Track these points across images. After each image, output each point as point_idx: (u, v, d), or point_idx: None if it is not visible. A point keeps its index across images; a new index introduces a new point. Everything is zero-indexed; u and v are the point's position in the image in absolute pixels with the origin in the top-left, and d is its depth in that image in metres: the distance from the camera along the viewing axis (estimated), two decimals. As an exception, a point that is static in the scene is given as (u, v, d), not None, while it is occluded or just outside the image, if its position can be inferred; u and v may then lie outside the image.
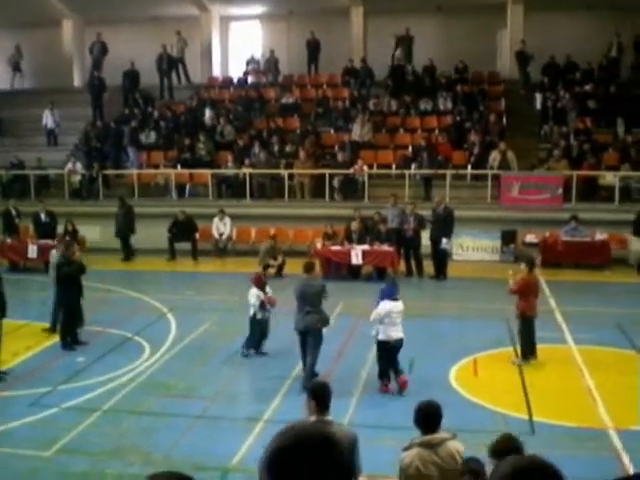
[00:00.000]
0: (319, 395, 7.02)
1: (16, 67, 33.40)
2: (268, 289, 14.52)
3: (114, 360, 14.24)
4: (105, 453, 10.15)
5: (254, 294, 14.31)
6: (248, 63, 32.14)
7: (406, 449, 6.43)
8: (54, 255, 16.16)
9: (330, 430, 2.52)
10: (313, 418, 6.71)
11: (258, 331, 14.35)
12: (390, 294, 12.34)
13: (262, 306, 14.24)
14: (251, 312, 14.31)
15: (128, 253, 24.27)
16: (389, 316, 12.13)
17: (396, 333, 12.21)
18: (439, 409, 6.66)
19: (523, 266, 13.96)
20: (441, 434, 6.48)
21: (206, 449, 10.26)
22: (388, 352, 12.32)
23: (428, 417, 6.59)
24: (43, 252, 22.27)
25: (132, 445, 10.45)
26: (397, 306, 12.25)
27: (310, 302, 12.56)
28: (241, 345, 14.41)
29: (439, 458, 6.29)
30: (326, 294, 12.81)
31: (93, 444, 10.35)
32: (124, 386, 12.82)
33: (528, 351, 13.69)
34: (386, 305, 12.16)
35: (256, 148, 26.36)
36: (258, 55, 32.73)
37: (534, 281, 13.89)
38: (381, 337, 12.27)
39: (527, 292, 13.59)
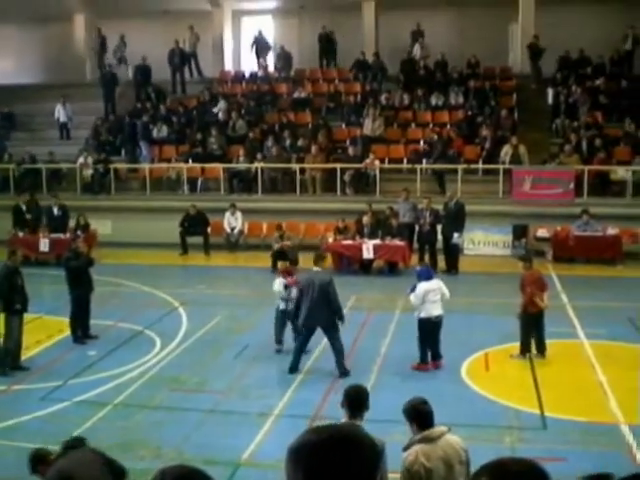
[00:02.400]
0: (351, 399, 6.90)
1: (121, 59, 32.62)
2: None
3: (125, 354, 14.28)
4: (115, 447, 10.14)
5: (278, 282, 14.23)
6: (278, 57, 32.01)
7: (406, 448, 6.38)
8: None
9: (361, 432, 2.52)
10: (343, 420, 6.63)
11: (283, 323, 14.21)
12: (426, 275, 13.18)
13: (287, 289, 14.06)
14: (278, 304, 14.20)
15: None
16: (427, 295, 12.85)
17: (436, 310, 12.97)
18: (428, 404, 6.63)
19: (521, 264, 13.96)
20: (438, 428, 6.45)
21: (217, 443, 10.27)
22: (429, 331, 13.02)
23: (424, 414, 6.55)
24: (55, 246, 22.37)
25: (143, 439, 10.47)
26: (433, 284, 13.02)
27: (314, 295, 12.59)
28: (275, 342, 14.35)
29: (442, 451, 6.26)
30: (333, 288, 12.75)
31: (103, 438, 10.34)
32: (135, 380, 12.85)
33: (525, 348, 13.64)
34: (423, 285, 12.91)
35: (269, 142, 26.37)
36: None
37: (535, 277, 13.81)
38: (422, 315, 12.99)
39: (527, 287, 13.55)
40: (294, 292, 13.83)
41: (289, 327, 14.13)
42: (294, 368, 13.02)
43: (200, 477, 2.56)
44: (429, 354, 13.19)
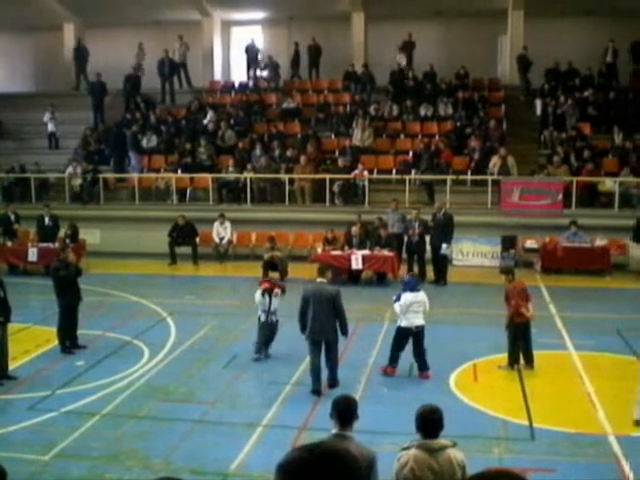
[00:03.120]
0: (340, 409, 6.86)
1: (137, 67, 32.28)
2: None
3: (113, 364, 14.22)
4: (104, 458, 10.13)
5: (258, 292, 14.31)
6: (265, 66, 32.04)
7: (404, 449, 6.39)
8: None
9: (345, 447, 2.54)
10: (334, 431, 6.62)
11: (263, 334, 14.25)
12: (412, 286, 13.38)
13: (264, 296, 14.18)
14: (259, 314, 14.28)
15: None
16: (411, 306, 13.13)
17: (417, 320, 13.17)
18: (441, 414, 6.61)
19: (504, 277, 13.98)
20: (442, 440, 6.43)
21: (205, 454, 10.23)
22: (407, 339, 13.28)
23: (429, 422, 6.54)
24: (43, 255, 22.31)
25: (131, 450, 10.42)
26: (418, 296, 13.26)
27: (320, 307, 12.45)
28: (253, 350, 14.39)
29: (437, 464, 6.23)
30: (340, 301, 12.65)
31: (92, 448, 10.33)
32: (123, 390, 12.80)
33: (513, 359, 13.66)
34: (408, 297, 13.16)
35: (258, 152, 26.40)
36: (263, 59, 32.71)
37: (518, 288, 13.82)
38: (404, 324, 13.24)
39: (512, 300, 13.58)
40: (275, 303, 14.00)
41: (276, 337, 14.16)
42: (317, 391, 12.51)
43: None
44: (399, 361, 13.42)
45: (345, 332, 12.78)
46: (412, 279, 13.90)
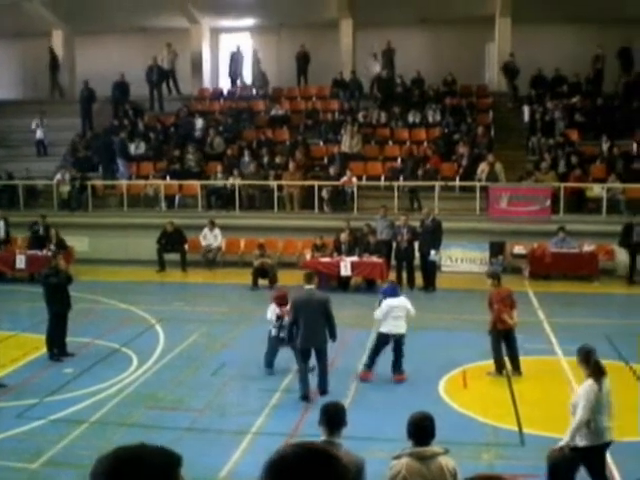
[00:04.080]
0: (329, 416, 6.84)
1: (171, 69, 32.28)
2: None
3: (102, 372, 14.16)
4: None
5: (271, 310, 14.00)
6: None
7: (396, 458, 6.39)
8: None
9: (333, 450, 2.52)
10: (322, 438, 6.60)
11: (271, 349, 13.96)
12: (391, 292, 13.50)
13: (278, 320, 13.80)
14: (270, 330, 13.91)
15: None
16: (391, 312, 13.17)
17: (397, 328, 13.20)
18: (432, 422, 6.62)
19: (490, 281, 13.98)
20: (433, 448, 6.43)
21: (194, 462, 10.17)
22: (384, 345, 13.30)
23: (420, 429, 6.54)
24: (31, 263, 22.23)
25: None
26: (398, 301, 13.33)
27: (312, 314, 12.43)
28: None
29: (428, 472, 6.23)
30: (330, 307, 12.64)
31: (80, 456, 10.27)
32: (112, 398, 12.75)
33: (499, 365, 13.66)
34: (388, 302, 13.26)
35: (246, 158, 26.41)
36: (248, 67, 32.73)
37: (502, 294, 13.83)
38: (383, 330, 13.31)
39: (495, 305, 13.60)
40: (286, 321, 13.61)
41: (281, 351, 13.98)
42: (306, 397, 12.53)
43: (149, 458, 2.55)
44: (374, 365, 13.50)
45: (335, 336, 12.78)
46: (390, 286, 14.05)
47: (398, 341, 13.25)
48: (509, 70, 29.16)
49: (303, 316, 12.44)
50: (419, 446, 6.40)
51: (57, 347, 14.99)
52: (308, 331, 12.42)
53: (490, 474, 2.63)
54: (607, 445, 8.53)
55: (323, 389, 12.73)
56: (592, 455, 8.31)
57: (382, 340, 13.36)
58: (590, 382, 8.40)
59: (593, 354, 8.66)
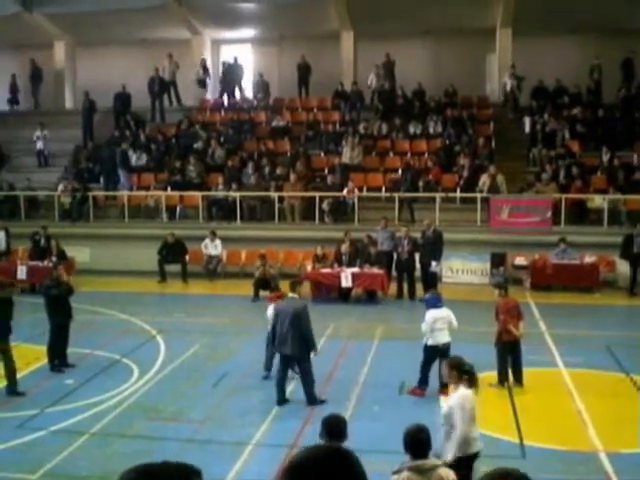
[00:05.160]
0: (330, 428, 6.81)
1: (203, 83, 32.55)
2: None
3: (102, 383, 14.16)
4: (92, 477, 10.07)
5: (271, 308, 13.96)
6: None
7: (396, 472, 6.37)
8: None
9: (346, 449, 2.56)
10: None
11: (271, 350, 13.97)
12: (434, 303, 13.35)
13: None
14: (269, 329, 13.90)
15: None
16: (435, 323, 13.04)
17: (443, 338, 13.08)
18: (428, 433, 6.61)
19: (497, 292, 13.98)
20: (432, 460, 6.42)
21: (195, 473, 10.16)
22: (435, 357, 12.96)
23: (416, 442, 6.53)
24: (32, 273, 22.25)
25: (120, 469, 10.10)
26: (441, 312, 13.17)
27: (286, 322, 12.52)
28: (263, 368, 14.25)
29: (429, 485, 6.23)
30: (306, 317, 12.65)
31: (80, 468, 10.27)
32: (112, 409, 12.74)
33: (502, 377, 13.64)
34: (432, 313, 13.09)
35: (249, 169, 26.43)
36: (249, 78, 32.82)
37: (509, 305, 13.82)
38: (430, 342, 13.13)
39: (501, 315, 13.59)
40: None
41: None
42: (282, 400, 12.83)
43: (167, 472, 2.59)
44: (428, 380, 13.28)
45: (313, 346, 12.81)
46: (432, 296, 13.80)
47: (446, 351, 12.88)
48: (517, 78, 28.94)
49: (278, 323, 12.69)
50: (417, 459, 6.39)
51: (58, 358, 15.01)
52: (280, 337, 12.68)
53: (508, 468, 2.65)
54: (476, 455, 8.46)
55: (307, 399, 12.74)
56: (462, 465, 8.19)
57: (431, 353, 13.11)
58: (466, 392, 8.35)
59: (465, 364, 8.57)
